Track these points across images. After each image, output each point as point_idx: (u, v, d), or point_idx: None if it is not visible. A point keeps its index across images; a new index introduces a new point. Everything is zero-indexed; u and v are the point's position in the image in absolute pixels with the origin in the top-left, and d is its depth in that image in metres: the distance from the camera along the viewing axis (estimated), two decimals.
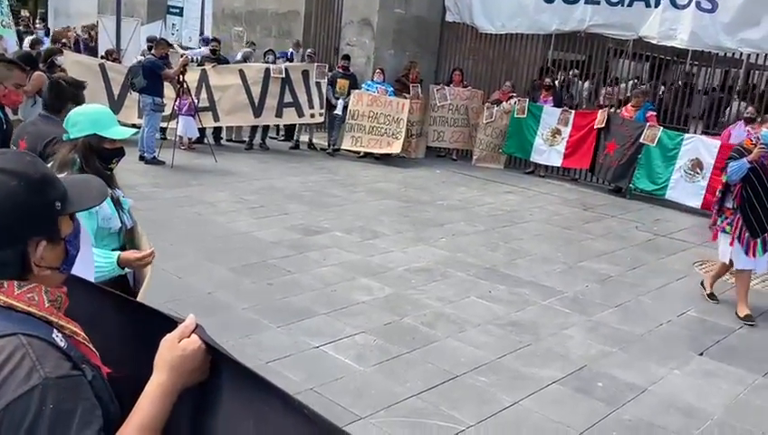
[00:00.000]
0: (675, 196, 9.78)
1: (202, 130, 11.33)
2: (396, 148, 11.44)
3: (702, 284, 6.31)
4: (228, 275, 5.76)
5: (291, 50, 13.23)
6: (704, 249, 7.87)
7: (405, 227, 7.69)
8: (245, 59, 12.52)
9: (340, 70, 12.05)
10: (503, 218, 8.54)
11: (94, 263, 2.41)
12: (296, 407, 1.19)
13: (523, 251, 7.16)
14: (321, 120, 12.10)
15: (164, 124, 10.73)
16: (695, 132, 10.31)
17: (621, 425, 3.91)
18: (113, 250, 2.71)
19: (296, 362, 4.30)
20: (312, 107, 11.84)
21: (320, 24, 14.05)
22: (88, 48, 15.84)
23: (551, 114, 11.29)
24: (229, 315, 4.89)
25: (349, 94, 11.72)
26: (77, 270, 1.44)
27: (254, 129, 12.05)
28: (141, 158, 9.93)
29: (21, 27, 16.97)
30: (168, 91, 10.35)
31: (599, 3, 11.10)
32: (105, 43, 14.47)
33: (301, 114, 11.89)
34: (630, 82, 12.29)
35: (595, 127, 10.74)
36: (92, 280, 2.01)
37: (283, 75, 11.61)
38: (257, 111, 11.64)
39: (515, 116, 11.55)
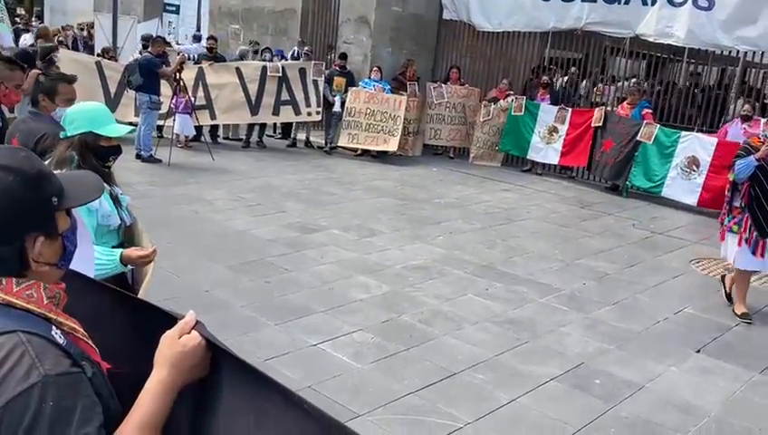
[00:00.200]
0: (671, 193, 9.80)
1: (199, 128, 11.32)
2: (392, 145, 11.43)
3: (722, 279, 6.18)
4: (226, 273, 5.76)
5: (296, 48, 13.16)
6: (700, 247, 7.90)
7: (402, 225, 7.69)
8: (242, 57, 12.50)
9: (337, 68, 12.04)
10: (500, 216, 8.55)
11: (95, 260, 2.41)
12: (296, 402, 1.19)
13: (520, 249, 7.16)
14: (318, 118, 12.09)
15: (161, 122, 10.72)
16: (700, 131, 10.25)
17: (619, 422, 3.92)
18: (112, 247, 2.71)
19: (294, 360, 4.30)
20: (308, 105, 11.82)
21: (317, 21, 14.03)
22: (87, 46, 15.80)
23: (548, 112, 11.30)
24: (227, 313, 4.88)
25: (346, 92, 11.71)
26: (76, 266, 1.44)
27: (251, 127, 12.04)
28: (138, 156, 9.91)
29: (20, 25, 16.92)
30: (165, 89, 10.33)
31: (595, 0, 11.10)
32: (101, 40, 14.45)
33: (298, 112, 11.88)
34: (632, 80, 12.28)
35: (592, 125, 10.75)
36: (92, 276, 2.00)
37: (280, 73, 11.60)
38: (254, 109, 11.62)
39: (512, 114, 11.55)
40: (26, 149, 1.42)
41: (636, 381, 4.42)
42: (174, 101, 10.45)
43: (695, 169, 9.55)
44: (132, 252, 2.63)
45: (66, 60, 10.36)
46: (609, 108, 11.18)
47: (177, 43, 15.32)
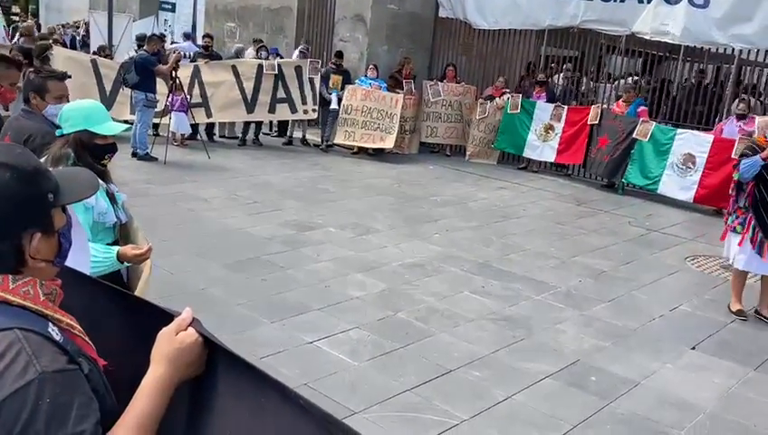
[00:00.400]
0: (666, 190, 9.82)
1: (195, 127, 11.30)
2: (389, 143, 11.43)
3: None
4: (222, 271, 5.76)
5: (302, 46, 13.09)
6: (696, 244, 7.92)
7: (398, 223, 7.70)
8: (237, 54, 12.48)
9: (333, 66, 12.03)
10: (496, 214, 8.56)
11: (91, 257, 2.41)
12: (292, 398, 1.20)
13: (516, 246, 7.17)
14: (315, 116, 12.08)
15: (157, 120, 10.69)
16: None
17: (614, 419, 3.93)
18: (108, 245, 2.71)
19: (290, 358, 4.30)
20: (305, 103, 11.81)
21: (313, 19, 14.02)
22: (85, 45, 15.75)
23: (544, 110, 11.31)
24: (223, 311, 4.88)
25: (342, 90, 11.70)
26: (72, 263, 1.44)
27: (247, 125, 12.02)
28: (134, 154, 9.89)
29: (19, 23, 16.88)
30: (161, 87, 10.31)
31: None
32: (97, 38, 14.41)
33: (294, 110, 11.86)
34: (631, 79, 12.31)
35: (588, 123, 10.76)
36: (88, 274, 2.01)
37: (276, 71, 11.59)
38: (250, 107, 11.60)
39: (509, 112, 11.56)
40: (21, 145, 1.42)
41: (631, 378, 4.43)
42: (170, 99, 10.42)
43: (691, 166, 9.57)
44: (128, 250, 2.63)
45: (61, 58, 10.32)
46: (605, 105, 11.19)
47: (173, 42, 15.28)
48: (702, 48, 10.83)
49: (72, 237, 1.41)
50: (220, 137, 12.32)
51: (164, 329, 1.35)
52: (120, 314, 1.52)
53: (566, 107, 11.25)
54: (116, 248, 2.64)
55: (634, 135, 10.12)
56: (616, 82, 12.28)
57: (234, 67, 11.58)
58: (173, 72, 10.01)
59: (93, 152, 2.73)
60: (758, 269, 5.61)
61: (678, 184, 9.69)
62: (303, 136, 12.49)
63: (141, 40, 11.46)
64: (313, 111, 11.93)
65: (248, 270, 5.81)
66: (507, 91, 11.89)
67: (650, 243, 7.80)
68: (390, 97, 11.48)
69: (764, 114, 9.71)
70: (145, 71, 9.81)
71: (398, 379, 4.15)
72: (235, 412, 1.29)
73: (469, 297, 5.64)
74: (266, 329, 4.71)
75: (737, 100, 9.85)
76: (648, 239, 7.97)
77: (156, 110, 10.31)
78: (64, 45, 15.12)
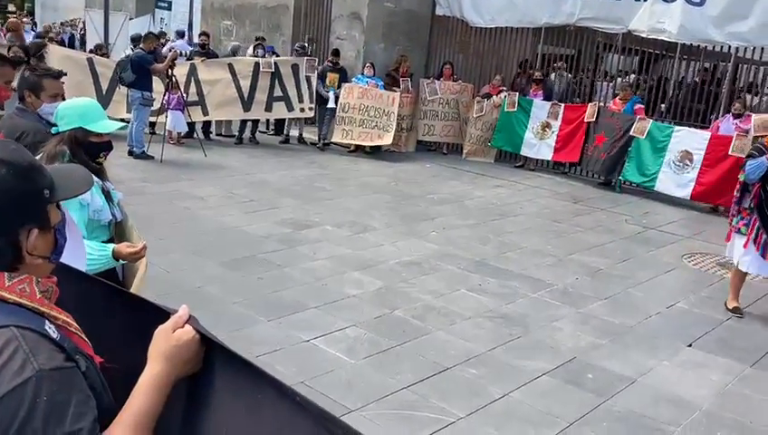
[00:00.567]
0: (663, 187, 9.83)
1: (191, 125, 11.28)
2: (387, 140, 11.42)
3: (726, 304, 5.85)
4: (218, 269, 5.75)
5: (306, 45, 13.08)
6: (692, 242, 7.93)
7: (395, 221, 7.69)
8: (234, 52, 12.46)
9: (330, 64, 12.01)
10: (493, 212, 8.56)
11: (87, 254, 2.41)
12: (289, 395, 1.20)
13: (513, 244, 7.17)
14: (311, 114, 12.07)
15: (153, 119, 10.67)
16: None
17: (611, 416, 3.94)
18: (103, 242, 2.71)
19: (287, 356, 4.30)
20: (301, 101, 11.79)
21: (309, 18, 14.00)
22: (85, 43, 15.72)
23: (540, 108, 11.31)
24: (219, 310, 4.87)
25: (339, 88, 11.69)
26: (67, 260, 1.43)
27: (243, 123, 12.01)
28: (130, 152, 9.87)
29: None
30: (157, 85, 10.29)
31: None
32: (93, 37, 14.38)
33: (290, 108, 11.85)
34: (630, 77, 12.31)
35: (585, 120, 10.77)
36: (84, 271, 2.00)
37: (273, 69, 11.57)
38: (247, 106, 11.59)
39: (505, 110, 11.56)
40: (16, 142, 1.42)
41: (628, 376, 4.44)
42: (166, 97, 10.41)
43: (688, 163, 9.59)
44: (123, 247, 2.63)
45: (57, 56, 10.30)
46: (601, 103, 11.20)
47: (168, 41, 15.24)
48: (698, 46, 10.84)
49: (67, 234, 1.41)
50: (217, 135, 12.30)
51: (161, 326, 1.35)
52: (116, 312, 1.52)
53: (563, 105, 11.26)
54: (111, 246, 2.63)
55: (631, 132, 10.13)
56: (614, 81, 12.28)
57: (230, 65, 11.56)
58: (169, 71, 9.99)
59: (88, 150, 2.73)
60: (761, 271, 5.56)
61: (675, 181, 9.70)
62: (300, 134, 12.48)
63: (136, 41, 11.40)
64: (310, 109, 11.91)
65: (245, 268, 5.80)
66: (504, 89, 11.89)
67: (647, 241, 7.81)
68: (387, 95, 11.47)
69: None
70: (141, 69, 9.79)
71: (395, 377, 4.15)
72: (231, 409, 1.29)
73: (466, 295, 5.64)
74: (263, 327, 4.70)
75: (734, 99, 9.86)
76: (644, 237, 7.98)
77: (152, 108, 10.29)
78: (62, 44, 15.10)
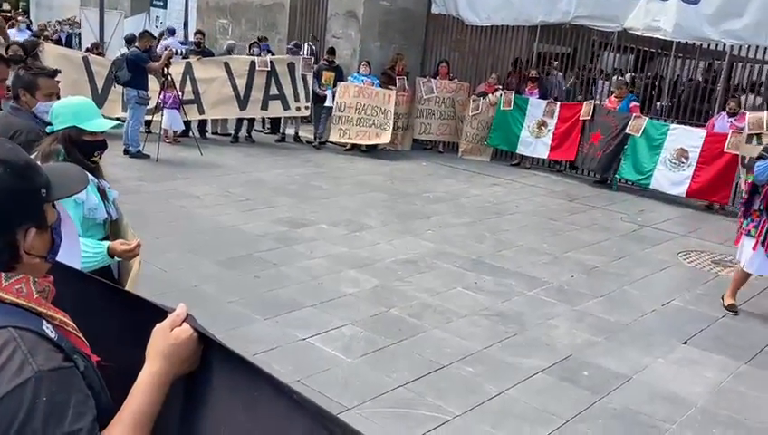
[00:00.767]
0: (659, 185, 9.85)
1: (187, 124, 11.26)
2: (385, 138, 11.43)
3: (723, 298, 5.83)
4: (214, 268, 5.74)
5: (309, 44, 13.06)
6: (688, 239, 7.95)
7: (391, 220, 7.70)
8: (230, 51, 12.45)
9: (326, 62, 12.01)
10: (489, 210, 8.57)
11: (82, 252, 2.41)
12: (286, 392, 1.20)
13: (509, 242, 7.19)
14: (307, 113, 12.05)
15: (149, 117, 10.65)
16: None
17: (607, 413, 3.95)
18: (98, 240, 2.71)
19: (283, 355, 4.30)
20: (297, 100, 11.78)
21: (305, 16, 13.99)
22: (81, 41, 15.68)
23: (536, 106, 11.32)
24: (216, 308, 4.87)
25: (335, 86, 11.68)
26: (61, 258, 1.43)
27: (239, 122, 12.00)
28: (126, 151, 9.86)
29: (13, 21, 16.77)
30: (153, 84, 10.27)
31: None
32: (88, 35, 14.34)
33: (286, 107, 11.84)
34: (628, 75, 12.35)
35: (581, 118, 10.78)
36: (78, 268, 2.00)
37: (269, 68, 11.56)
38: (242, 104, 11.58)
39: (501, 108, 11.57)
40: (11, 141, 1.41)
41: (623, 373, 4.45)
42: (162, 96, 10.39)
43: (683, 160, 9.61)
44: (117, 245, 2.64)
45: (52, 55, 10.27)
46: (596, 101, 11.22)
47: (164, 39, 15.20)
48: (694, 44, 10.86)
49: (63, 232, 1.41)
50: (212, 134, 12.29)
51: (159, 325, 1.35)
52: (113, 311, 1.52)
53: (559, 103, 11.28)
54: (106, 243, 2.64)
55: (627, 130, 10.15)
56: (610, 79, 12.32)
57: (226, 64, 11.55)
58: (165, 69, 9.97)
59: (82, 149, 2.73)
60: (761, 271, 5.50)
61: (671, 179, 9.73)
62: (296, 133, 12.47)
63: (129, 41, 11.36)
64: (306, 108, 11.90)
65: (241, 267, 5.80)
66: (500, 87, 11.89)
67: (642, 238, 7.83)
68: (383, 93, 11.48)
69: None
70: (137, 68, 9.77)
71: (391, 375, 4.16)
72: (229, 407, 1.29)
73: (462, 293, 5.64)
74: (259, 326, 4.71)
75: (729, 98, 9.89)
76: (640, 235, 7.99)
77: (148, 107, 10.27)
78: (60, 43, 15.05)
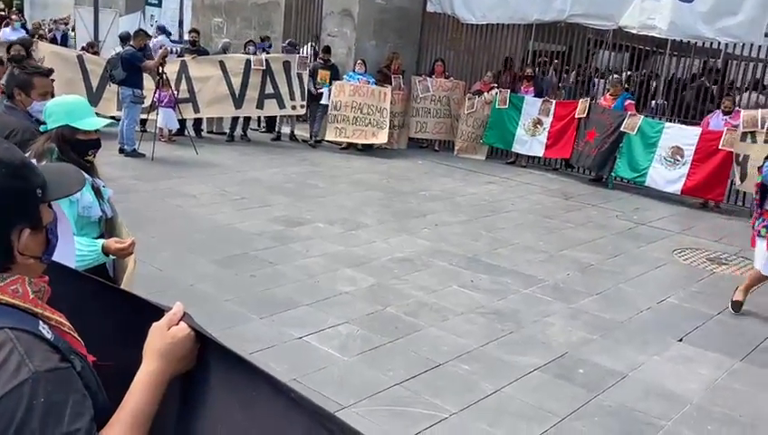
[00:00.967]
0: (654, 183, 9.88)
1: (182, 122, 11.25)
2: (382, 138, 11.44)
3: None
4: (210, 267, 5.74)
5: (311, 43, 13.04)
6: (683, 237, 7.97)
7: (387, 218, 7.70)
8: (224, 50, 12.43)
9: (321, 61, 12.00)
10: (485, 208, 8.58)
11: (76, 251, 2.40)
12: (284, 391, 1.20)
13: (504, 240, 7.20)
14: (303, 111, 12.05)
15: (144, 116, 10.63)
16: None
17: (602, 410, 3.96)
18: (93, 239, 2.71)
19: (279, 353, 4.30)
20: (293, 99, 11.78)
21: (300, 14, 13.97)
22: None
23: (532, 105, 11.34)
24: (212, 307, 4.87)
25: (331, 85, 11.68)
26: (56, 256, 1.43)
27: (234, 120, 11.98)
28: (121, 150, 9.84)
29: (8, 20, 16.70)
30: (148, 82, 10.25)
31: None
32: (83, 34, 14.30)
33: (282, 106, 11.83)
34: (626, 74, 12.36)
35: (576, 116, 10.80)
36: (73, 267, 2.00)
37: (264, 67, 11.54)
38: (238, 103, 11.56)
39: (497, 107, 11.58)
40: (7, 140, 1.41)
41: (619, 370, 4.46)
42: (157, 94, 10.37)
43: (679, 158, 9.63)
44: (112, 243, 2.64)
45: (47, 53, 10.24)
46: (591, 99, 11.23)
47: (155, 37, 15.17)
48: (689, 42, 10.89)
49: (58, 231, 1.40)
50: (208, 133, 12.28)
51: (155, 324, 1.35)
52: (109, 310, 1.51)
53: (554, 101, 11.30)
54: (101, 241, 2.64)
55: (622, 128, 10.17)
56: (605, 77, 12.33)
57: (221, 62, 11.53)
58: (160, 68, 9.95)
59: (76, 147, 2.73)
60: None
61: (666, 176, 9.76)
62: (292, 131, 12.47)
63: (124, 40, 11.33)
64: (302, 106, 11.90)
65: (237, 266, 5.80)
66: (495, 85, 11.91)
67: (638, 236, 7.85)
68: (379, 90, 11.49)
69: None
70: (132, 67, 9.74)
71: (387, 373, 4.16)
72: (226, 406, 1.29)
73: (458, 291, 5.65)
74: (255, 325, 4.70)
75: (723, 97, 9.91)
76: (635, 233, 8.01)
77: (143, 106, 10.25)
78: (55, 41, 14.99)
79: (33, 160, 2.43)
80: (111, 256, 2.68)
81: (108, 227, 2.93)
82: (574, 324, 5.18)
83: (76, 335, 1.32)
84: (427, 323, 4.94)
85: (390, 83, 11.82)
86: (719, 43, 10.42)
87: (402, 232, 7.18)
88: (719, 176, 9.30)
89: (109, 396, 1.30)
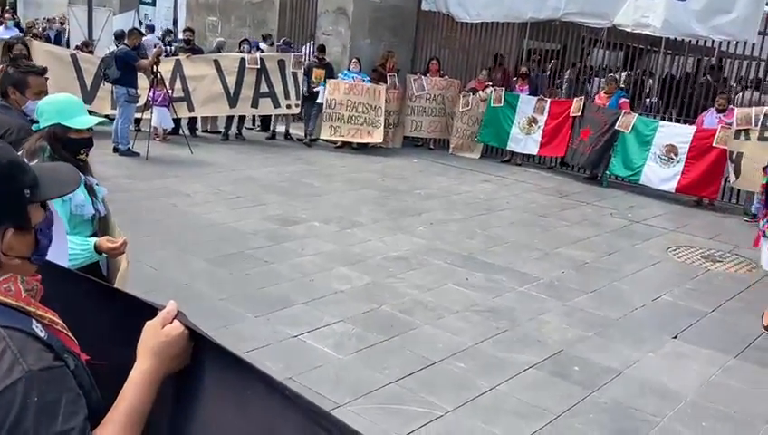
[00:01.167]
0: (649, 181, 9.90)
1: (177, 121, 11.22)
2: (377, 137, 11.44)
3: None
4: (205, 266, 5.73)
5: (312, 43, 13.01)
6: (677, 235, 7.99)
7: (382, 217, 7.70)
8: (219, 49, 12.40)
9: (316, 60, 11.98)
10: (480, 207, 8.59)
11: (69, 249, 2.40)
12: (279, 389, 1.20)
13: (499, 238, 7.20)
14: (298, 110, 12.03)
15: (138, 115, 10.60)
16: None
17: (597, 407, 3.97)
18: (87, 237, 2.70)
19: (275, 352, 4.30)
20: (287, 97, 11.75)
21: (295, 13, 13.95)
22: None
23: (527, 103, 11.34)
24: (206, 306, 4.86)
25: (325, 83, 11.67)
26: (50, 257, 1.42)
27: (229, 119, 11.96)
28: (115, 149, 9.81)
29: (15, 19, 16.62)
30: (142, 81, 10.22)
31: None
32: (76, 33, 14.25)
33: (276, 104, 11.81)
34: (624, 74, 12.38)
35: (571, 115, 10.81)
36: (66, 265, 1.99)
37: (259, 65, 11.52)
38: (233, 102, 11.54)
39: (492, 105, 11.58)
40: (2, 140, 1.40)
41: (614, 368, 4.47)
42: (151, 93, 10.34)
43: (673, 156, 9.66)
44: (104, 241, 2.63)
45: (40, 52, 10.20)
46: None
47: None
48: (683, 40, 10.91)
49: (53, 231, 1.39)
50: (203, 132, 12.25)
51: (149, 322, 1.34)
52: (103, 308, 1.51)
53: (549, 99, 11.31)
54: (93, 240, 2.63)
55: (616, 126, 10.19)
56: (599, 76, 12.35)
57: (216, 61, 11.51)
58: (154, 67, 9.92)
59: (68, 146, 2.72)
60: None
61: (660, 174, 9.78)
62: (287, 130, 12.45)
63: (119, 38, 11.30)
64: (296, 105, 11.88)
65: (232, 265, 5.79)
66: (490, 84, 11.91)
67: (632, 234, 7.87)
68: (374, 89, 11.48)
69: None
70: (126, 65, 9.72)
71: (383, 371, 4.16)
72: (220, 404, 1.29)
73: (453, 289, 5.66)
74: (250, 323, 4.70)
75: (718, 95, 9.94)
76: (629, 230, 8.03)
77: (137, 104, 10.22)
78: (48, 40, 14.93)
79: (25, 159, 2.43)
80: (104, 255, 2.67)
81: (101, 225, 2.92)
82: (569, 322, 5.19)
83: (69, 334, 1.31)
84: (422, 322, 4.95)
85: (385, 82, 11.81)
86: (713, 41, 10.44)
87: (397, 230, 7.18)
88: (713, 174, 9.33)
89: (102, 395, 1.30)
